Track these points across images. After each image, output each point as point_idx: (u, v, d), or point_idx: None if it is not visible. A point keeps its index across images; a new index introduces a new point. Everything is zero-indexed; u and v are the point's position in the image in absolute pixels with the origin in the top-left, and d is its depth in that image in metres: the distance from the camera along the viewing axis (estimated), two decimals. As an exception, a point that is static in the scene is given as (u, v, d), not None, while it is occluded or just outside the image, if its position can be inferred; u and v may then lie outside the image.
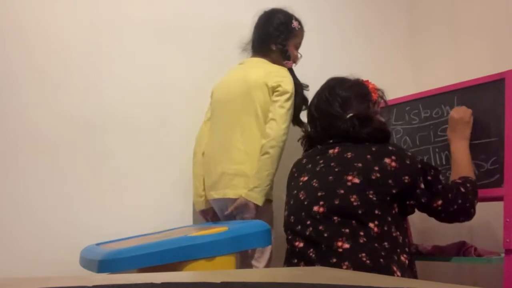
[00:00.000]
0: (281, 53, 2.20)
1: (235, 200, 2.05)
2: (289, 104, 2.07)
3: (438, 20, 2.87)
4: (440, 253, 2.03)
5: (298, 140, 1.96)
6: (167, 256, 1.63)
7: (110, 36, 2.33)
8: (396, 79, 2.78)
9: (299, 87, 2.19)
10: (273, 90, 2.08)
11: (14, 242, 2.06)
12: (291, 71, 2.19)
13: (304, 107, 2.22)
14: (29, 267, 2.03)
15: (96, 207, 2.21)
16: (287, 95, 2.06)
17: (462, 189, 1.75)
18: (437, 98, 2.18)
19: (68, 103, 2.22)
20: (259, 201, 2.02)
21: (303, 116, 2.12)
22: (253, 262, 2.07)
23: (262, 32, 2.23)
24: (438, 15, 2.89)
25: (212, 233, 1.73)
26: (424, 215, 1.79)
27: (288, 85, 2.08)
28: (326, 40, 2.84)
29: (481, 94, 2.00)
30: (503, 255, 1.86)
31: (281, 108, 2.05)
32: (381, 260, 1.54)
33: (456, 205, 1.72)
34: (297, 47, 2.26)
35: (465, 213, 1.75)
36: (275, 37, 2.19)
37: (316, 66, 2.73)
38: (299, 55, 2.27)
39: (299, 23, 2.26)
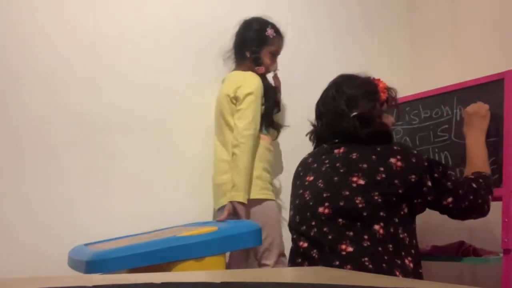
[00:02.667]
0: (253, 60, 2.26)
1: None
2: (247, 102, 2.13)
3: (438, 20, 2.88)
4: (439, 253, 2.03)
5: (306, 135, 1.95)
6: (155, 256, 1.61)
7: (111, 36, 2.33)
8: (396, 79, 2.77)
9: (271, 91, 2.26)
10: (234, 98, 2.18)
11: (14, 242, 2.06)
12: (262, 76, 2.24)
13: (276, 110, 2.31)
14: (29, 266, 2.03)
15: (97, 207, 2.22)
16: (245, 96, 2.13)
17: (474, 185, 1.72)
18: (437, 99, 2.18)
19: (68, 103, 2.22)
20: (240, 198, 2.07)
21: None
22: (263, 261, 2.13)
23: (239, 40, 2.32)
24: (438, 15, 2.89)
25: (201, 233, 1.72)
26: (424, 214, 1.78)
27: (246, 88, 2.15)
28: (327, 40, 2.84)
29: (481, 94, 2.00)
30: (501, 255, 1.87)
31: (240, 111, 2.14)
32: (384, 264, 1.54)
33: (468, 202, 1.68)
34: (274, 54, 2.31)
35: (478, 210, 1.71)
36: (249, 44, 2.27)
37: (316, 66, 2.74)
38: (275, 65, 2.32)
39: (276, 31, 2.30)
